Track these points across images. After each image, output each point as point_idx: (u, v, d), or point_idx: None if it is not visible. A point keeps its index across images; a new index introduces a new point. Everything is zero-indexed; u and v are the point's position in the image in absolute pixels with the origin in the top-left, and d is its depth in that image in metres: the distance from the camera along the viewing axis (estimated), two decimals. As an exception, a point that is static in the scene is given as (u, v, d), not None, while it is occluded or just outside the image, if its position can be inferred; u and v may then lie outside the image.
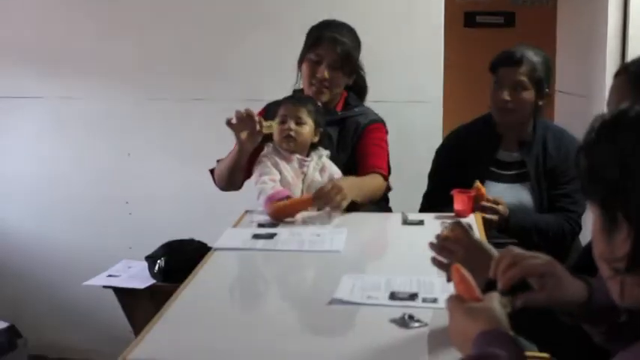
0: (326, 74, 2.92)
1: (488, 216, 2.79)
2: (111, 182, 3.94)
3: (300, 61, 3.02)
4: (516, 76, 2.96)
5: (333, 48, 2.92)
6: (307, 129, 2.80)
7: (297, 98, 2.89)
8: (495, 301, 1.30)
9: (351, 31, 3.00)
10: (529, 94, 2.97)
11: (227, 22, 3.77)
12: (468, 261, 1.63)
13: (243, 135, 2.74)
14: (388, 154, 3.00)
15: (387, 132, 3.04)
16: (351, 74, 3.02)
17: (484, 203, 2.82)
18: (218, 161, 2.99)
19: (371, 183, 2.86)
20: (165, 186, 3.90)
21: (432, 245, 1.75)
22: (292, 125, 2.77)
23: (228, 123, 2.73)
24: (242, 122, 2.73)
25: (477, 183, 2.84)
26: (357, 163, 2.92)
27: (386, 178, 2.93)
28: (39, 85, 3.94)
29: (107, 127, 3.92)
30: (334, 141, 2.96)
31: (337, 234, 2.45)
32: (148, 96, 3.87)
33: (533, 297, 1.46)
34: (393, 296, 1.84)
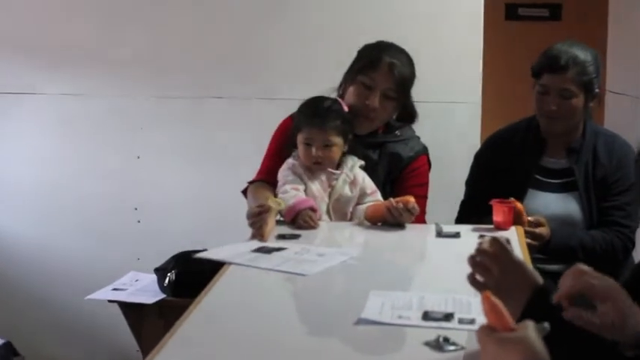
0: (376, 103, 2.88)
1: (528, 241, 2.72)
2: (118, 187, 3.95)
3: (347, 80, 2.97)
4: (563, 83, 2.90)
5: (390, 75, 2.88)
6: (335, 149, 2.79)
7: (320, 115, 2.78)
8: (531, 330, 1.27)
9: (409, 59, 2.96)
10: (578, 101, 2.93)
11: (242, 16, 3.77)
12: (504, 282, 1.61)
13: (266, 227, 2.60)
14: (427, 197, 2.99)
15: (429, 163, 3.02)
16: (402, 105, 2.99)
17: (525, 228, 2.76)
18: (249, 182, 2.97)
19: None
20: (177, 192, 3.91)
21: (470, 260, 1.71)
22: (319, 152, 2.76)
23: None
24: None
25: (512, 200, 2.75)
26: None
27: None
28: (40, 81, 3.95)
29: (114, 127, 3.93)
30: (373, 160, 2.92)
31: (338, 255, 2.38)
32: (159, 94, 3.88)
33: (584, 317, 1.44)
34: (426, 316, 1.83)
